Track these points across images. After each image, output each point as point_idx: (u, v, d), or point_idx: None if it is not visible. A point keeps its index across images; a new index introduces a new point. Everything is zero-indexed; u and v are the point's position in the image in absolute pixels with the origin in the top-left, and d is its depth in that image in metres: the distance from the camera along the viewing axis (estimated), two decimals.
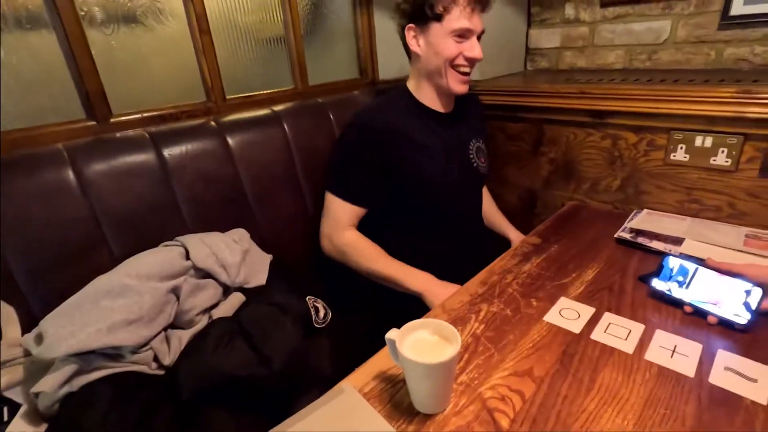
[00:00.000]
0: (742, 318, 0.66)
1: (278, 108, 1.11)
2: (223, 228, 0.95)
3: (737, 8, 1.10)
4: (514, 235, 1.18)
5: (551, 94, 1.16)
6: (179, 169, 0.91)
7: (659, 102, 0.99)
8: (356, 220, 1.02)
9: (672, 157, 1.05)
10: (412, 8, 0.96)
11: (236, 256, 0.86)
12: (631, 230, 0.98)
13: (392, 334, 0.60)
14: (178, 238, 0.85)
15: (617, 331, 0.70)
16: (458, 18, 0.92)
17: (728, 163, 0.97)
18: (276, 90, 1.23)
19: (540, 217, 1.37)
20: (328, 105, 1.18)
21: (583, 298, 0.80)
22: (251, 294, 0.86)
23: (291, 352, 0.70)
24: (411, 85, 1.06)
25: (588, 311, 0.76)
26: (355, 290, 1.04)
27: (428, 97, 1.04)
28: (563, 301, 0.79)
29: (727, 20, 1.12)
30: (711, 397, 0.57)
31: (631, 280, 0.85)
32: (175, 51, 1.05)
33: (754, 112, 0.89)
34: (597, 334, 0.70)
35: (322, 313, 0.79)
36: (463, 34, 0.94)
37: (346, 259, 1.01)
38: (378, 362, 0.66)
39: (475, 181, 1.14)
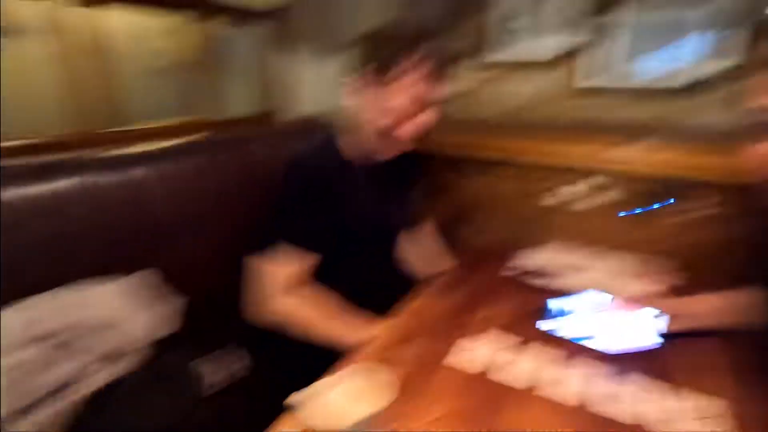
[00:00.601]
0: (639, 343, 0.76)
1: (173, 142, 1.01)
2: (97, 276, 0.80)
3: (579, 82, 1.31)
4: None
5: (445, 143, 1.25)
6: (32, 212, 0.76)
7: (537, 154, 1.13)
8: (304, 275, 0.93)
9: (553, 202, 1.19)
10: (365, 61, 0.89)
11: (108, 311, 0.73)
12: (520, 268, 1.07)
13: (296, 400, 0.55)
14: (26, 300, 0.70)
15: (515, 367, 0.74)
16: (407, 88, 0.86)
17: (598, 207, 1.13)
18: (169, 123, 1.13)
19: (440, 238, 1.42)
20: (229, 142, 1.11)
21: (481, 338, 0.83)
22: (125, 358, 0.73)
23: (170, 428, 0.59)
24: (344, 129, 1.00)
25: (488, 348, 0.79)
26: None
27: (359, 148, 0.99)
28: (464, 343, 0.82)
29: (583, 88, 1.33)
30: (594, 423, 0.63)
31: (524, 316, 0.91)
32: (39, 75, 0.91)
33: (615, 159, 1.06)
34: (496, 373, 0.73)
35: (224, 372, 0.69)
36: (412, 104, 0.89)
37: (283, 330, 0.92)
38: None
39: (399, 229, 1.15)
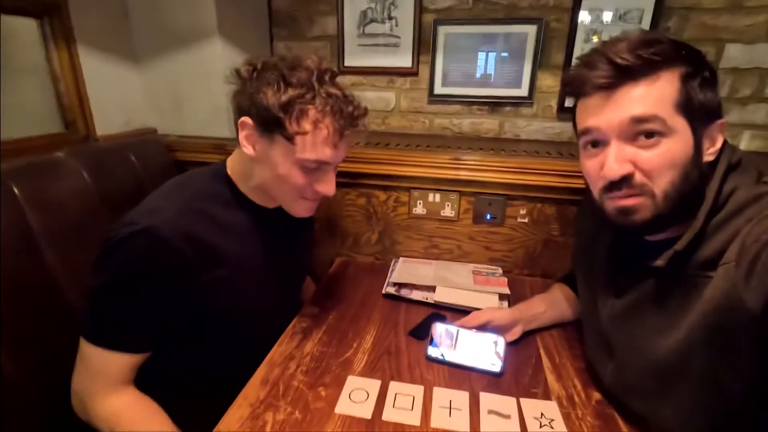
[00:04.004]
0: (496, 366, 0.78)
1: None
2: None
3: (437, 89, 1.38)
4: None
5: None
6: None
7: (399, 165, 1.13)
8: (132, 373, 0.70)
9: (414, 211, 1.20)
10: (250, 105, 0.68)
11: None
12: (394, 284, 1.06)
13: None
14: None
15: (403, 402, 0.71)
16: (318, 146, 0.68)
17: (452, 214, 1.18)
18: None
19: (313, 274, 1.35)
20: (13, 175, 0.83)
21: (367, 371, 0.79)
22: None
23: None
24: (234, 170, 0.78)
25: (374, 386, 0.74)
26: None
27: (258, 194, 0.79)
28: (351, 381, 0.75)
29: (433, 97, 1.39)
30: None
31: (403, 336, 0.90)
32: None
33: (463, 174, 1.11)
34: (387, 413, 0.69)
35: None
36: (318, 166, 0.72)
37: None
38: None
39: (298, 282, 1.00)
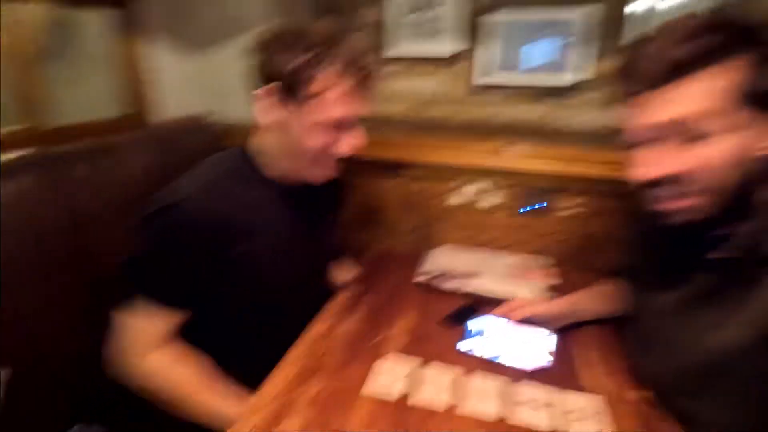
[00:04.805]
0: (535, 363, 0.76)
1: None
2: None
3: (481, 78, 1.34)
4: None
5: None
6: None
7: (439, 154, 1.12)
8: (172, 331, 0.74)
9: (453, 201, 1.19)
10: (264, 75, 0.70)
11: None
12: (429, 273, 1.06)
13: None
14: None
15: (433, 387, 0.71)
16: (335, 105, 0.69)
17: (493, 205, 1.16)
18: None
19: (345, 257, 1.37)
20: (81, 155, 0.90)
21: (399, 354, 0.80)
22: None
23: None
24: (257, 147, 0.79)
25: (404, 370, 0.75)
26: None
27: (282, 169, 0.79)
28: (381, 364, 0.77)
29: (476, 86, 1.36)
30: None
31: (437, 324, 0.90)
32: None
33: (506, 164, 1.09)
34: (416, 396, 0.69)
35: None
36: (339, 124, 0.73)
37: (151, 394, 0.72)
38: None
39: (326, 263, 1.03)
